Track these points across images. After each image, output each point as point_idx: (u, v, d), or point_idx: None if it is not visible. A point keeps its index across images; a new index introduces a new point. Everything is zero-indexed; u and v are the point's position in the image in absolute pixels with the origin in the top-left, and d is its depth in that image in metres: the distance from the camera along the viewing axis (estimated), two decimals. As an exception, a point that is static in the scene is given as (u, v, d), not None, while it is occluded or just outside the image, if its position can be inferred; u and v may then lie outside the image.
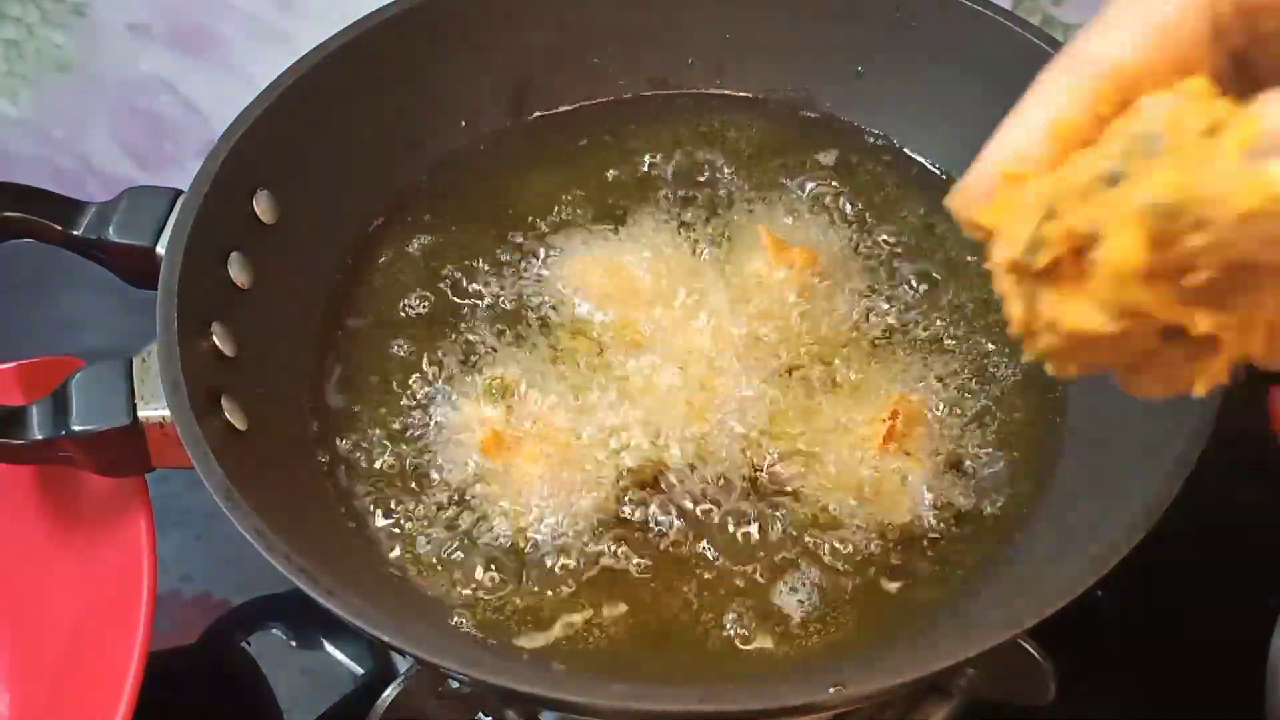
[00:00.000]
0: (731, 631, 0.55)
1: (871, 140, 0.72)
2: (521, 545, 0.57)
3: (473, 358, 0.63)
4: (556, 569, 0.56)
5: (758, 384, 0.60)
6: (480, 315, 0.65)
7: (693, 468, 0.58)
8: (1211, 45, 0.37)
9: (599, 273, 0.65)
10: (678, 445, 0.59)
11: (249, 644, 0.71)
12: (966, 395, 0.61)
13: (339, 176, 0.66)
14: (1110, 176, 0.31)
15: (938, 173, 0.70)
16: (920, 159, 0.71)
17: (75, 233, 0.61)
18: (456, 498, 0.58)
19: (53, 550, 0.64)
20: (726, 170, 0.70)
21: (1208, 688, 0.64)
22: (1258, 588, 0.61)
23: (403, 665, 0.64)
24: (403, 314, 0.65)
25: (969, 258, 0.66)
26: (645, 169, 0.70)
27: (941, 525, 0.57)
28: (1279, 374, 0.59)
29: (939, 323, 0.64)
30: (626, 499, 0.58)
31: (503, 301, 0.65)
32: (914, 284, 0.66)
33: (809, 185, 0.69)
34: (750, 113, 0.73)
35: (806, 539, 0.57)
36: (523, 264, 0.66)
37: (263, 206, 0.63)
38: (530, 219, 0.68)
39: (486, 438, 0.59)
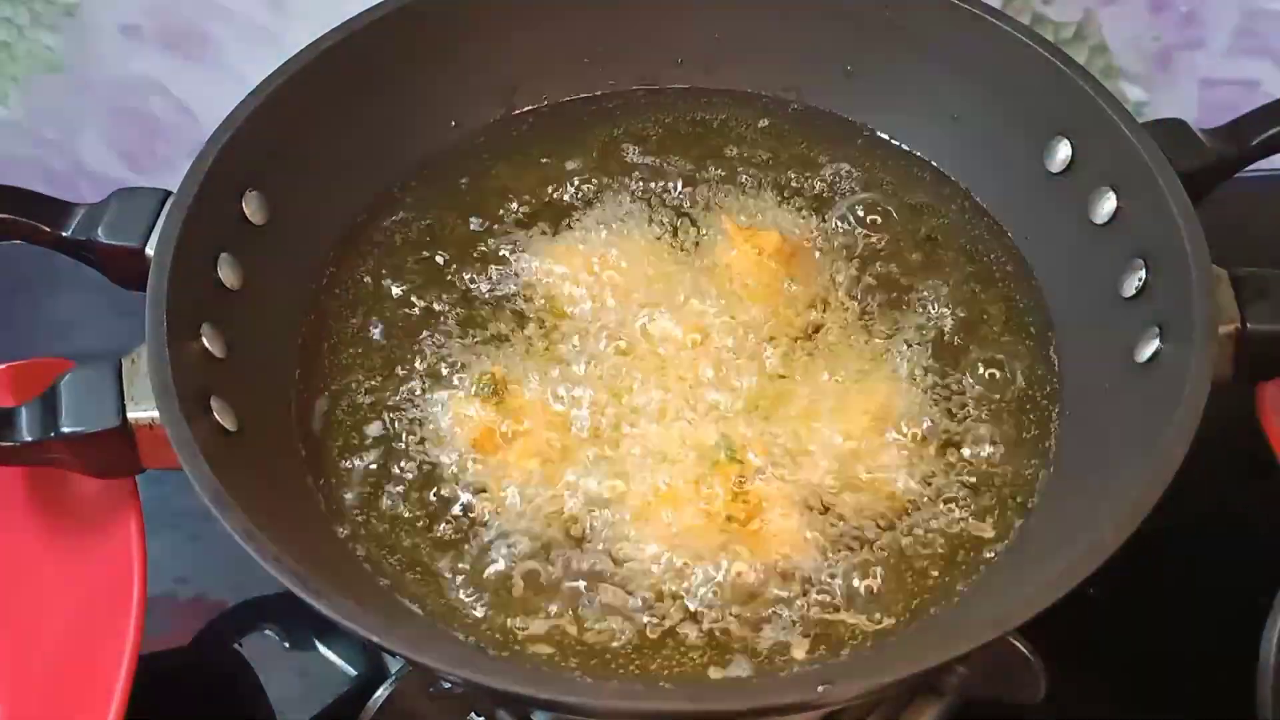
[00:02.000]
0: (724, 629, 0.55)
1: (861, 138, 0.72)
2: (514, 543, 0.57)
3: (463, 355, 0.63)
4: (549, 566, 0.56)
5: (742, 374, 0.61)
6: (470, 312, 0.65)
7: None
8: None
9: (586, 268, 0.65)
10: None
11: (241, 645, 0.71)
12: (957, 394, 0.61)
13: (328, 177, 0.66)
14: None
15: (926, 169, 0.70)
16: (909, 155, 0.71)
17: (64, 234, 0.61)
18: (447, 496, 0.58)
19: (43, 552, 0.64)
20: (714, 169, 0.70)
21: (1198, 685, 0.65)
22: (1247, 585, 0.61)
23: (394, 666, 0.64)
24: (393, 313, 0.65)
25: (953, 253, 0.67)
26: (635, 167, 0.70)
27: (935, 525, 0.57)
28: (1266, 372, 0.60)
29: (927, 318, 0.64)
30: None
31: (493, 298, 0.65)
32: (903, 279, 0.66)
33: (796, 183, 0.69)
34: (739, 111, 0.73)
35: (800, 538, 0.57)
36: (512, 261, 0.66)
37: (252, 207, 0.62)
38: (520, 217, 0.68)
39: (478, 435, 0.59)
